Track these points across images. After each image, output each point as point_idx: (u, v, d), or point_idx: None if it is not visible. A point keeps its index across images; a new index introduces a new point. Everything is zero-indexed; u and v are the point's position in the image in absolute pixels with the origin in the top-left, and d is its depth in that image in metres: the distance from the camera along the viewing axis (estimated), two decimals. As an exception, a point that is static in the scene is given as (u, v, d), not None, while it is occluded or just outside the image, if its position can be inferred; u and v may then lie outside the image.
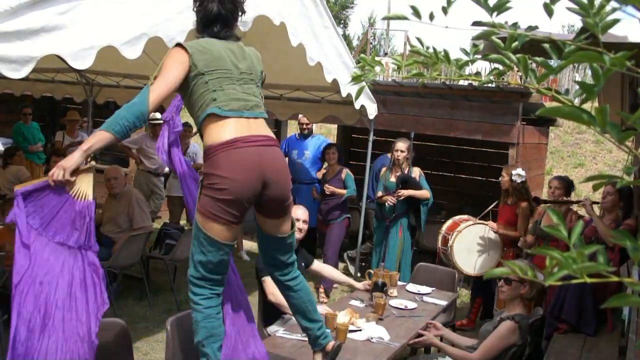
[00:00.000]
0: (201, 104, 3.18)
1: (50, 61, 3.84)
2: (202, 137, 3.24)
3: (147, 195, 8.61)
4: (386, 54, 26.75)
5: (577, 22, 33.36)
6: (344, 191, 7.67)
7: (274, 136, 3.33)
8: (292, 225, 3.47)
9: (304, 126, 8.75)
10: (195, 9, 3.38)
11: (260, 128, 3.24)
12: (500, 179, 6.62)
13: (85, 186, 3.10)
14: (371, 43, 29.37)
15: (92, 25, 3.72)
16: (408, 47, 22.72)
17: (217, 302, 3.32)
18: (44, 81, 9.38)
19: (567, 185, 6.11)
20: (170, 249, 7.09)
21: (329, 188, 7.69)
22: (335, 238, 7.75)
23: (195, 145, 9.23)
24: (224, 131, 3.13)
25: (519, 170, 6.42)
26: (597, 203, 6.82)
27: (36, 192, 2.94)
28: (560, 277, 0.95)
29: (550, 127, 10.55)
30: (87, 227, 3.18)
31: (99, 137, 2.98)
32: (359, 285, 5.13)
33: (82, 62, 3.69)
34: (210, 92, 3.17)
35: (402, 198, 6.97)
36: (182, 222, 9.57)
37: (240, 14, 3.42)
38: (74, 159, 2.96)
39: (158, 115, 9.10)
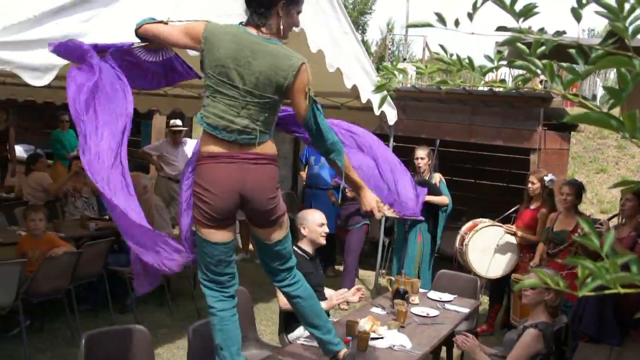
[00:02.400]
0: (202, 104, 3.21)
1: (72, 69, 3.86)
2: None
3: (168, 201, 8.64)
4: (405, 59, 26.71)
5: (598, 26, 33.08)
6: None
7: (268, 152, 3.22)
8: (286, 235, 3.45)
9: None
10: None
11: (249, 146, 3.15)
12: (528, 185, 6.52)
13: None
14: (389, 49, 29.34)
15: (113, 33, 3.74)
16: (427, 53, 22.66)
17: (230, 305, 3.34)
18: (66, 88, 9.45)
19: (577, 189, 6.02)
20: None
21: (351, 192, 7.67)
22: (354, 245, 7.73)
23: None
24: (210, 143, 3.15)
25: (551, 176, 6.37)
26: (616, 216, 6.73)
27: None
28: (593, 288, 0.93)
29: (572, 132, 10.46)
30: None
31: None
32: (348, 295, 4.89)
33: (104, 69, 3.71)
34: (206, 97, 3.17)
35: None
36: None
37: None
38: None
39: (179, 122, 9.15)
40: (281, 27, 3.15)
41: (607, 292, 0.94)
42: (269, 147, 3.23)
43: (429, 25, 1.28)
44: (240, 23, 3.18)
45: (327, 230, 4.85)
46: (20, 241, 5.93)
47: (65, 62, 3.48)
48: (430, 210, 7.02)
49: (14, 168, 9.75)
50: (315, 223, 4.79)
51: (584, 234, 1.02)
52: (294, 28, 3.26)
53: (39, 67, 3.36)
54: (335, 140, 3.32)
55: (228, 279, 3.33)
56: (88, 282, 6.34)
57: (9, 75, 3.60)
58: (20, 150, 10.87)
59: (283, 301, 4.47)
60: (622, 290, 0.94)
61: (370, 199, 3.51)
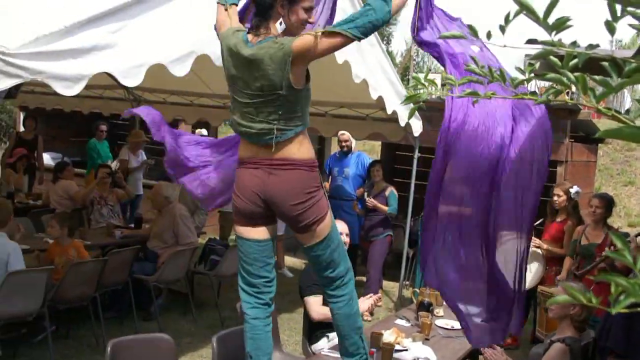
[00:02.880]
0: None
1: (99, 78, 3.92)
2: None
3: (192, 210, 8.66)
4: (430, 70, 26.65)
5: (625, 37, 32.79)
6: (386, 207, 7.63)
7: (295, 157, 3.18)
8: (322, 241, 3.31)
9: (343, 144, 8.77)
10: None
11: (270, 150, 3.16)
12: (554, 198, 6.45)
13: None
14: (414, 59, 29.29)
15: (141, 44, 3.79)
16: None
17: (264, 314, 3.34)
18: (93, 97, 9.55)
19: (607, 203, 5.93)
20: (215, 264, 7.12)
21: (371, 201, 7.65)
22: (377, 256, 7.70)
23: None
24: (242, 148, 3.29)
25: (577, 188, 6.30)
26: None
27: None
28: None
29: (599, 145, 10.35)
30: None
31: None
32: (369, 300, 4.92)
33: (132, 79, 3.77)
34: (230, 102, 3.32)
35: None
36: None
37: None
38: None
39: (204, 131, 9.21)
40: (284, 26, 3.15)
41: (641, 309, 0.92)
42: (295, 151, 3.17)
43: (462, 37, 1.28)
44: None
45: (346, 239, 4.83)
46: (48, 248, 6.00)
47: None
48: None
49: (42, 176, 9.86)
50: None
51: (615, 249, 1.00)
52: (308, 24, 3.20)
53: (69, 77, 3.41)
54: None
55: (264, 282, 3.33)
56: (113, 290, 6.39)
57: (38, 84, 3.66)
58: (47, 158, 10.98)
59: (316, 311, 4.47)
60: (657, 308, 0.92)
61: None
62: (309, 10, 3.16)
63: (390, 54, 37.70)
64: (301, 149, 3.19)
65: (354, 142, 8.95)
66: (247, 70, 3.08)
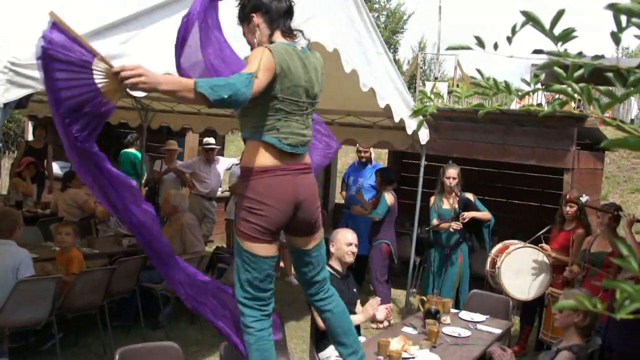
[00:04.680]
0: (261, 124, 3.20)
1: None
2: (245, 149, 3.33)
3: (199, 218, 8.71)
4: (436, 78, 26.66)
5: (632, 45, 32.69)
6: (365, 211, 7.74)
7: (310, 162, 3.44)
8: (322, 240, 3.58)
9: (362, 154, 8.92)
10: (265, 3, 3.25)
11: (301, 157, 3.33)
12: (566, 209, 6.45)
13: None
14: (421, 67, 29.33)
15: (151, 53, 3.81)
16: (459, 72, 22.59)
17: (268, 324, 3.37)
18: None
19: (614, 211, 5.93)
20: (222, 272, 7.14)
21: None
22: (374, 263, 7.68)
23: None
24: (267, 157, 3.22)
25: (586, 197, 6.33)
26: None
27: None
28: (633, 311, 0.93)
29: (606, 152, 10.35)
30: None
31: (179, 82, 2.91)
32: (370, 312, 4.86)
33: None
34: (275, 120, 3.19)
35: (466, 220, 6.95)
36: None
37: None
38: (153, 77, 2.79)
39: (212, 140, 9.25)
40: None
41: (647, 315, 0.94)
42: (309, 156, 3.41)
43: (468, 48, 1.30)
44: (289, 37, 3.32)
45: (354, 250, 4.85)
46: (56, 256, 6.03)
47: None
48: (473, 228, 7.04)
49: (51, 185, 9.91)
50: (343, 241, 4.82)
51: (621, 256, 1.02)
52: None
53: (79, 87, 3.43)
54: None
55: (270, 295, 3.37)
56: (121, 298, 6.41)
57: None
58: (56, 168, 11.03)
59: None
60: (662, 314, 0.94)
61: None
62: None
63: (397, 62, 37.75)
64: (310, 155, 3.46)
65: (373, 154, 9.06)
66: (311, 77, 3.27)
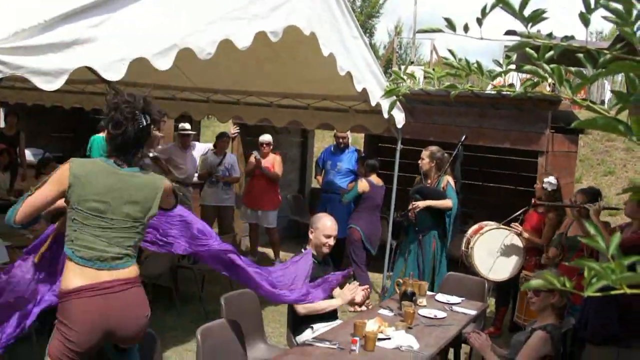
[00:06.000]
0: (66, 235, 3.20)
1: (80, 73, 3.91)
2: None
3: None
4: (412, 62, 26.70)
5: (606, 29, 32.94)
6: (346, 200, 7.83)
7: (134, 276, 3.28)
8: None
9: (341, 140, 8.99)
10: (111, 132, 3.23)
11: (116, 272, 3.20)
12: (535, 186, 6.56)
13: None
14: (397, 52, 29.35)
15: (123, 37, 3.77)
16: (435, 56, 22.65)
17: None
18: (74, 92, 9.48)
19: (592, 197, 5.89)
20: (198, 258, 7.11)
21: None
22: (348, 248, 7.75)
23: (232, 155, 9.34)
24: (73, 277, 3.13)
25: (551, 179, 6.36)
26: (616, 209, 6.77)
27: None
28: (600, 288, 0.95)
29: (580, 135, 10.45)
30: None
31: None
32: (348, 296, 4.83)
33: (114, 73, 3.75)
34: (72, 230, 3.16)
35: (417, 210, 6.90)
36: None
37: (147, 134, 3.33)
38: None
39: (188, 126, 9.18)
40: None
41: (613, 292, 0.95)
42: (135, 269, 3.31)
43: (439, 30, 1.30)
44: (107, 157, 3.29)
45: (331, 243, 4.83)
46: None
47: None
48: (438, 216, 6.99)
49: (25, 172, 9.79)
50: (322, 232, 4.79)
51: (589, 235, 1.03)
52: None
53: (50, 72, 3.39)
54: None
55: None
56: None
57: (18, 79, 3.63)
58: (28, 155, 10.88)
59: (302, 306, 4.51)
60: (629, 291, 0.95)
61: None
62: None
63: (373, 46, 37.70)
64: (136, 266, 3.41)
65: (350, 138, 9.11)
66: (125, 194, 3.27)
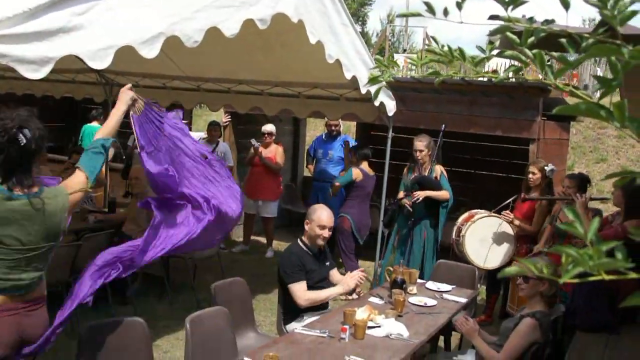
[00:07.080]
0: None
1: (70, 62, 3.88)
2: None
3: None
4: (405, 50, 26.67)
5: (598, 17, 33.03)
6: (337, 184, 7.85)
7: (43, 295, 3.39)
8: None
9: (332, 128, 9.01)
10: None
11: (30, 294, 3.25)
12: (529, 176, 6.49)
13: None
14: (390, 40, 29.27)
15: (109, 26, 3.75)
16: (427, 44, 22.63)
17: None
18: (65, 82, 9.44)
19: (580, 182, 5.92)
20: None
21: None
22: (337, 237, 7.73)
23: (224, 144, 9.31)
24: None
25: (552, 166, 6.37)
26: (604, 199, 6.77)
27: None
28: (577, 275, 0.94)
29: (572, 122, 10.44)
30: None
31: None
32: (351, 285, 4.88)
33: (100, 62, 3.73)
34: None
35: (418, 201, 6.90)
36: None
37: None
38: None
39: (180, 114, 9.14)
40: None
41: (590, 278, 0.94)
42: (43, 288, 3.39)
43: (419, 14, 1.29)
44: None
45: (326, 235, 4.82)
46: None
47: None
48: (431, 206, 6.99)
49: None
50: (317, 223, 4.78)
51: (568, 221, 1.02)
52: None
53: (35, 60, 3.36)
54: None
55: None
56: (88, 274, 6.34)
57: (8, 69, 3.59)
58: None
59: (302, 298, 4.52)
60: (607, 277, 0.94)
61: None
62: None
63: (365, 34, 37.66)
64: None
65: (342, 126, 9.11)
66: (23, 221, 3.14)
